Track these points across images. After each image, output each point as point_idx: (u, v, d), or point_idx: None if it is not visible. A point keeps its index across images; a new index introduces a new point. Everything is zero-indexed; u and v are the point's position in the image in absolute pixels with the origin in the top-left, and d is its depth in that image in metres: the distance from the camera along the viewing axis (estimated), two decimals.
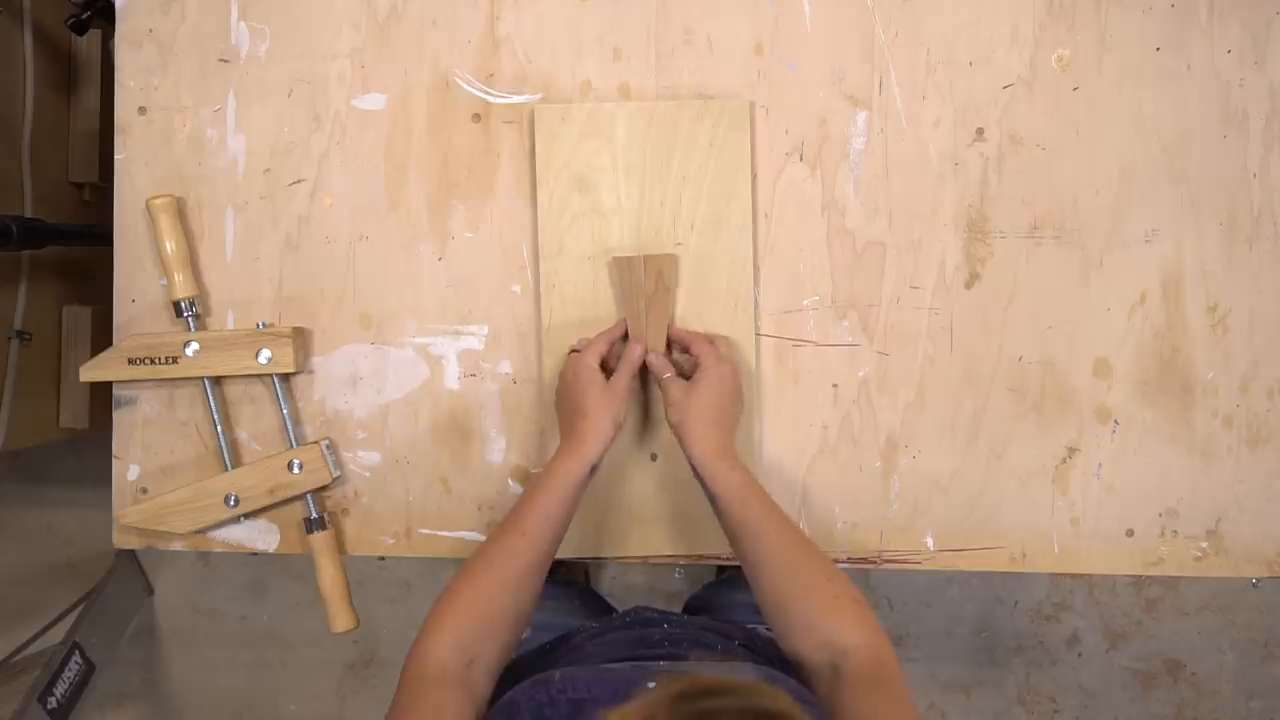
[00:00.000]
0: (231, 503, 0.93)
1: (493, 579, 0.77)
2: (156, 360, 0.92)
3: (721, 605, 1.07)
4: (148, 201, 0.94)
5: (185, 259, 0.94)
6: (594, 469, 0.82)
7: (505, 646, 0.76)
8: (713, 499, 0.81)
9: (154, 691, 1.86)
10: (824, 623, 0.73)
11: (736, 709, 0.47)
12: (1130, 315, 0.91)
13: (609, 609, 1.11)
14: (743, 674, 0.66)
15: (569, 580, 1.19)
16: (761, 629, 0.90)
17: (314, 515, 0.93)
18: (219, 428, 0.94)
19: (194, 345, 0.92)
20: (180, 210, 0.95)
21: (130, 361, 0.92)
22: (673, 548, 0.93)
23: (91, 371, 0.93)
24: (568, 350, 0.92)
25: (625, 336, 0.90)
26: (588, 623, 0.92)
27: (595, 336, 0.89)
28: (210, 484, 0.93)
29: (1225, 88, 0.91)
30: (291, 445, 0.94)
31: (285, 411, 0.94)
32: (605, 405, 0.83)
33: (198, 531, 0.95)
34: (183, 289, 0.93)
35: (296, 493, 0.93)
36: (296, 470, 0.93)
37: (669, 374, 0.87)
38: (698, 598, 1.16)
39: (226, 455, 0.94)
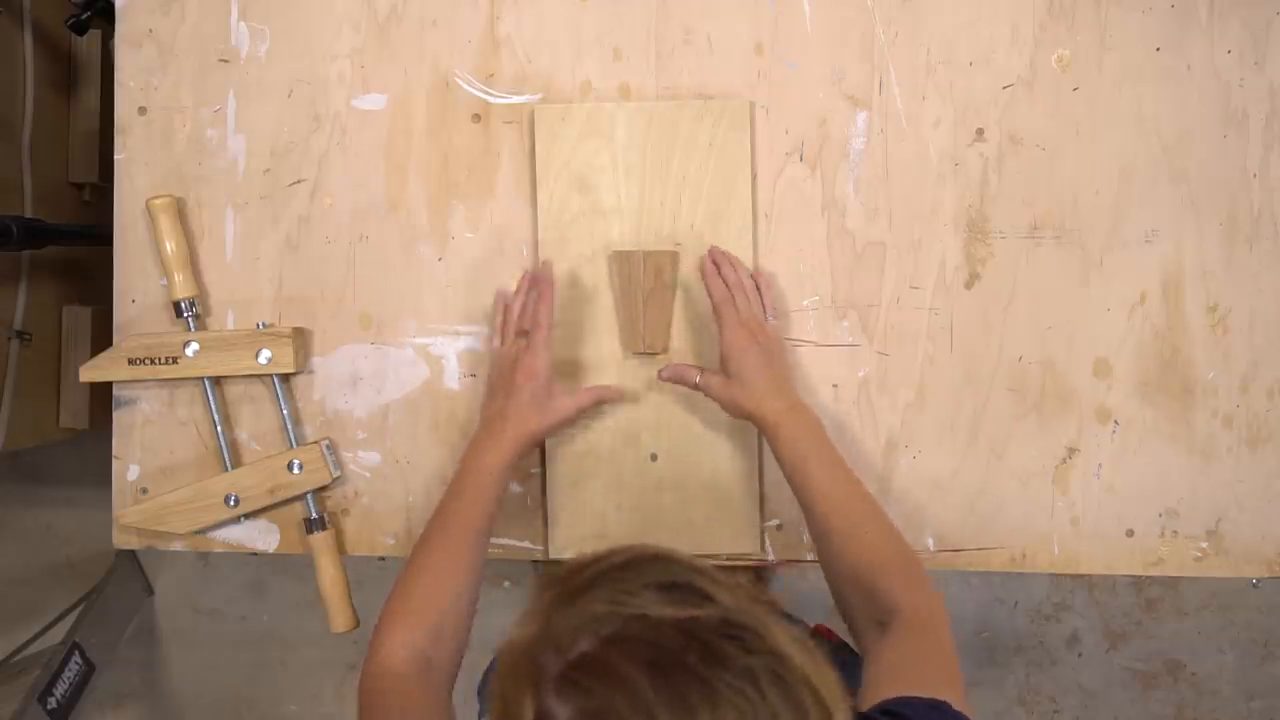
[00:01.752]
0: (231, 503, 0.93)
1: (443, 582, 0.76)
2: (156, 360, 0.92)
3: None
4: (148, 201, 0.94)
5: (185, 259, 0.94)
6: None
7: (457, 652, 0.75)
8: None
9: (154, 691, 1.85)
10: (873, 585, 0.74)
11: (621, 562, 0.48)
12: (1130, 315, 0.91)
13: None
14: None
15: None
16: None
17: (314, 515, 0.93)
18: (219, 428, 0.94)
19: (194, 345, 0.92)
20: (180, 210, 0.95)
21: (130, 361, 0.92)
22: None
23: (91, 371, 0.93)
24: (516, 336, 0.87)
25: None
26: None
27: (535, 335, 0.84)
28: (210, 484, 0.93)
29: (1225, 88, 0.91)
30: (291, 445, 0.94)
31: (285, 411, 0.94)
32: (530, 419, 0.82)
33: (198, 531, 0.95)
34: (183, 289, 0.93)
35: (296, 493, 0.93)
36: (296, 470, 0.93)
37: (698, 376, 0.86)
38: None
39: (226, 455, 0.94)
